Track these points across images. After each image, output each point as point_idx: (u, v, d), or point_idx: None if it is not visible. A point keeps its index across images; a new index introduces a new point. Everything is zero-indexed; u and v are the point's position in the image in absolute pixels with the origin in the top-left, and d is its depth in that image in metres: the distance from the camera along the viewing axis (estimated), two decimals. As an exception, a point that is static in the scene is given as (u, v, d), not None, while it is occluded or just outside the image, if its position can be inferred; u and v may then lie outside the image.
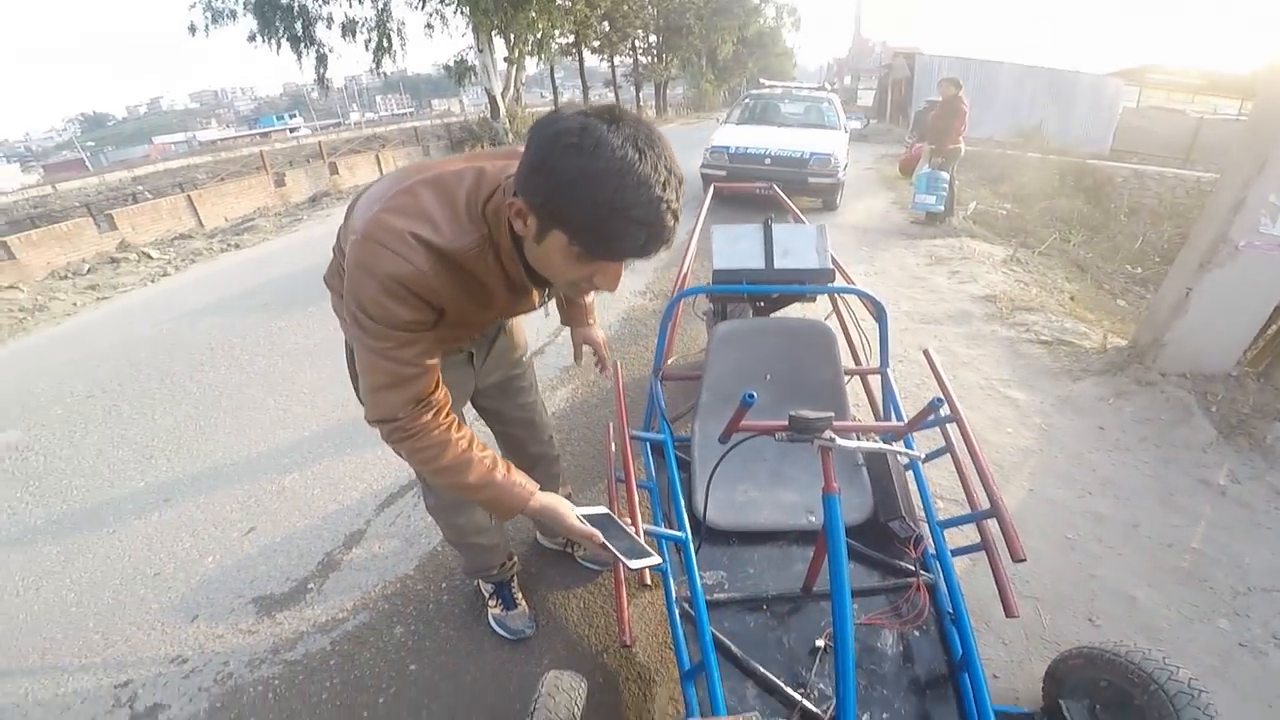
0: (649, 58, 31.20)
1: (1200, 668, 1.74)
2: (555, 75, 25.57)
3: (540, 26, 16.51)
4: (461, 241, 0.96)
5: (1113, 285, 5.59)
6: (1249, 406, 2.82)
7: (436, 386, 1.08)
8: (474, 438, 1.12)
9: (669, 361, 2.24)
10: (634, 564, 1.10)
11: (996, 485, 1.45)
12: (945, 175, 6.40)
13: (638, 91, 32.33)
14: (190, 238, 8.57)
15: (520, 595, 1.90)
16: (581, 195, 0.79)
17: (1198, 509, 2.37)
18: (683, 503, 1.63)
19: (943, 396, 1.42)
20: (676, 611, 1.45)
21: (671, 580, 1.49)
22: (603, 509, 1.19)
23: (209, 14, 15.40)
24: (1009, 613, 1.30)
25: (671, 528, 1.61)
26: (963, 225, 6.52)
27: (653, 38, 30.05)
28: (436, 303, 0.99)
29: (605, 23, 23.62)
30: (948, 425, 1.68)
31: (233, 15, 15.47)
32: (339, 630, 1.92)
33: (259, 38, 15.85)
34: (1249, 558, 2.13)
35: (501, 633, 1.85)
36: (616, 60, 28.35)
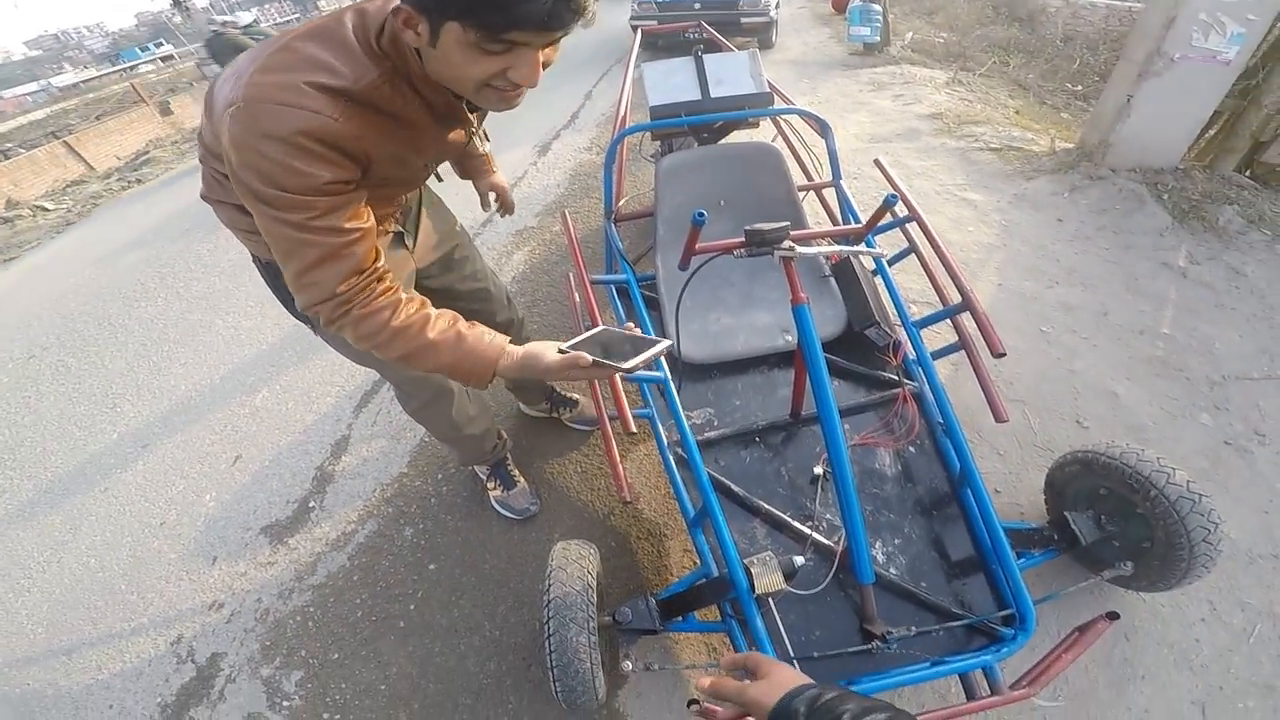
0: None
1: (1192, 470, 1.75)
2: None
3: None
4: (367, 77, 0.85)
5: (1055, 101, 5.61)
6: (1198, 194, 2.93)
7: (378, 255, 0.95)
8: (427, 301, 0.99)
9: (620, 204, 2.19)
10: (632, 363, 0.93)
11: (966, 278, 1.43)
12: (878, 7, 6.38)
13: None
14: (85, 183, 7.92)
15: (517, 472, 1.89)
16: None
17: (1162, 292, 2.44)
18: None
19: (896, 194, 1.39)
20: (670, 458, 1.44)
21: (660, 426, 1.47)
22: (597, 328, 1.05)
23: None
24: (998, 417, 1.29)
25: (648, 370, 1.61)
26: (902, 54, 6.38)
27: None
28: (357, 153, 0.86)
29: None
30: (908, 226, 1.66)
31: None
32: (352, 544, 1.92)
33: None
34: (1218, 342, 2.18)
35: (506, 514, 1.85)
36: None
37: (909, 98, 4.83)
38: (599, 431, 2.03)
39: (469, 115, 1.01)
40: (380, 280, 0.93)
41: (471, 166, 1.55)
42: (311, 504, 2.08)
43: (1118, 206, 2.95)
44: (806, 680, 0.64)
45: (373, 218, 0.94)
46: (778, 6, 7.14)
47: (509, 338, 1.01)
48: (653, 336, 0.96)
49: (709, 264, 1.53)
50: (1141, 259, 2.63)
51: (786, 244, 1.16)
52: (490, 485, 1.87)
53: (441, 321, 0.95)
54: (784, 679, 0.64)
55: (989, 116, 4.27)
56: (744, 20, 6.71)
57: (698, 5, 6.82)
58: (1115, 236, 2.78)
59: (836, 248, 1.27)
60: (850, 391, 1.63)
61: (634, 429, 1.22)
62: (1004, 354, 1.27)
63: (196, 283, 3.73)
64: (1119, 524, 1.36)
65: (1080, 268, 2.59)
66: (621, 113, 2.53)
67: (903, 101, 4.75)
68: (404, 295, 0.96)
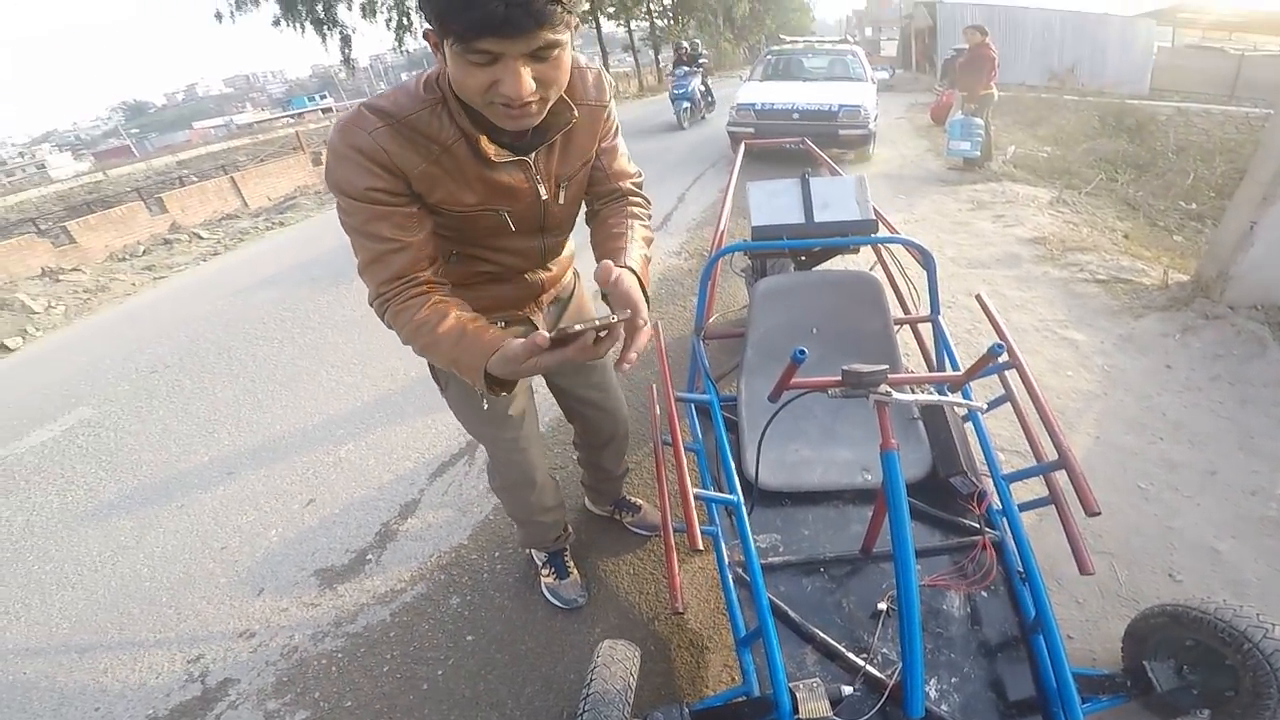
0: (665, 20, 30.40)
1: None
2: (574, 43, 25.20)
3: (552, -5, 16.33)
4: (412, 106, 0.97)
5: (1167, 222, 5.34)
6: (1331, 338, 2.61)
7: (425, 267, 1.03)
8: (463, 303, 1.03)
9: (710, 320, 2.22)
10: (578, 327, 0.80)
11: (1063, 433, 1.37)
12: (979, 120, 6.36)
13: (656, 54, 31.58)
14: (237, 217, 8.85)
15: (573, 564, 1.91)
16: None
17: None
18: (732, 464, 1.59)
19: (1002, 342, 1.34)
20: (730, 576, 1.43)
21: (724, 544, 1.46)
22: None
23: (232, 1, 15.65)
24: (1083, 569, 1.24)
25: (721, 490, 1.58)
26: (1003, 169, 6.31)
27: (668, 0, 29.27)
28: (395, 168, 0.97)
29: (619, -13, 23.09)
30: (1006, 372, 1.60)
31: (255, 1, 15.66)
32: (398, 602, 1.97)
33: (283, 22, 16.17)
34: (1345, 507, 1.96)
35: (554, 602, 1.86)
36: (633, 24, 27.68)
37: (1010, 219, 4.74)
38: (656, 537, 2.04)
39: (513, 154, 1.04)
40: (417, 286, 1.01)
41: (599, 236, 1.32)
42: (369, 557, 2.16)
43: (1235, 351, 2.72)
44: None
45: (422, 233, 1.03)
46: (876, 119, 7.19)
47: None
48: (611, 317, 0.82)
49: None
50: (1259, 414, 2.41)
51: (883, 388, 1.15)
52: (544, 572, 1.90)
53: (450, 317, 0.98)
54: None
55: (1095, 242, 4.12)
56: (842, 132, 6.79)
57: (796, 115, 6.95)
58: (1231, 388, 2.56)
59: (933, 397, 1.26)
60: (926, 534, 1.57)
61: (700, 547, 1.22)
62: (1098, 513, 1.22)
63: (311, 332, 4.05)
64: (1201, 674, 1.28)
65: (1188, 422, 2.41)
66: (721, 228, 2.58)
67: (1003, 223, 4.67)
68: (436, 296, 1.02)
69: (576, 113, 1.05)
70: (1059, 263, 3.85)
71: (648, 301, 1.00)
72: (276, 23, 16.34)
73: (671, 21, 30.28)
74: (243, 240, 7.51)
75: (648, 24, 29.65)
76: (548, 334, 0.80)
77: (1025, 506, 1.48)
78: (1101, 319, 3.18)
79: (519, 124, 0.93)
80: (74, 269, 6.79)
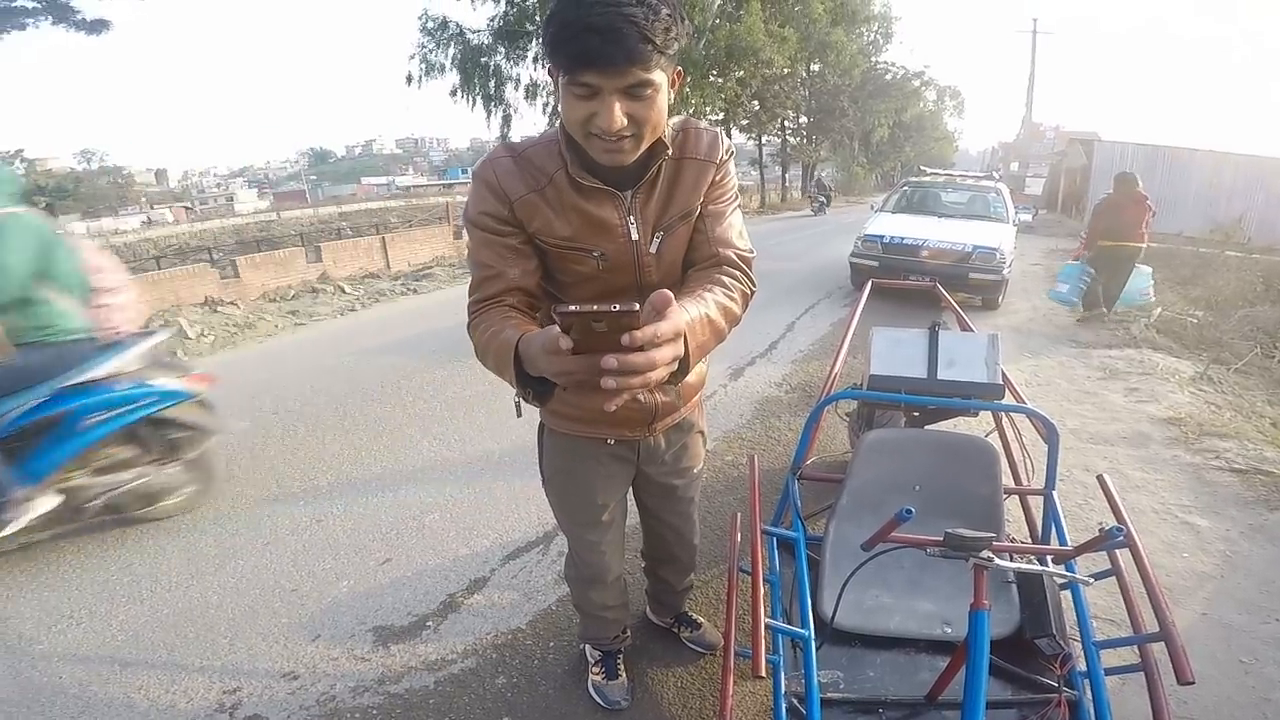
0: (798, 138, 31.16)
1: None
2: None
3: (693, 102, 17.39)
4: (537, 142, 1.13)
5: None
6: None
7: (516, 298, 1.10)
8: (526, 321, 1.05)
9: (808, 461, 2.18)
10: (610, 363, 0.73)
11: (1168, 606, 1.32)
12: (1091, 269, 6.34)
13: (784, 172, 32.27)
14: (377, 277, 9.64)
15: (623, 666, 1.91)
16: (551, 23, 0.92)
17: None
18: (809, 600, 1.59)
19: (1121, 526, 1.31)
20: (784, 706, 1.40)
21: (783, 674, 1.45)
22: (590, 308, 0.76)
23: (423, 66, 18.03)
24: None
25: (793, 624, 1.57)
26: (1144, 334, 5.90)
27: (803, 119, 30.15)
28: (501, 193, 1.09)
29: (755, 101, 24.09)
30: (1117, 550, 1.52)
31: (442, 69, 18.04)
32: (445, 671, 1.99)
33: (459, 93, 18.22)
34: None
35: (598, 700, 1.86)
36: (764, 139, 28.68)
37: (1144, 393, 4.39)
38: (709, 656, 2.00)
39: (615, 204, 1.12)
40: (501, 305, 1.07)
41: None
42: (429, 624, 2.19)
43: None
44: None
45: (516, 269, 1.10)
46: (1011, 264, 6.92)
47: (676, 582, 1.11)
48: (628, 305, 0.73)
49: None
50: None
51: (985, 554, 1.13)
52: (594, 669, 1.90)
53: (509, 320, 1.01)
54: None
55: (1238, 429, 3.74)
56: (973, 275, 6.52)
57: (925, 253, 6.75)
58: None
59: (1036, 568, 1.24)
60: (998, 687, 1.49)
61: (764, 674, 1.21)
62: (1191, 682, 1.15)
63: (422, 403, 4.27)
64: None
65: None
66: (835, 370, 2.55)
67: (1136, 397, 4.33)
68: (506, 309, 1.07)
69: (670, 151, 1.11)
70: (1192, 447, 3.54)
71: (686, 355, 0.88)
72: (454, 93, 18.43)
73: (805, 140, 31.09)
74: (379, 300, 8.17)
75: (779, 139, 30.64)
76: (568, 341, 0.74)
77: (1112, 671, 1.43)
78: (1231, 508, 2.94)
79: (613, 159, 1.01)
80: (231, 302, 7.63)
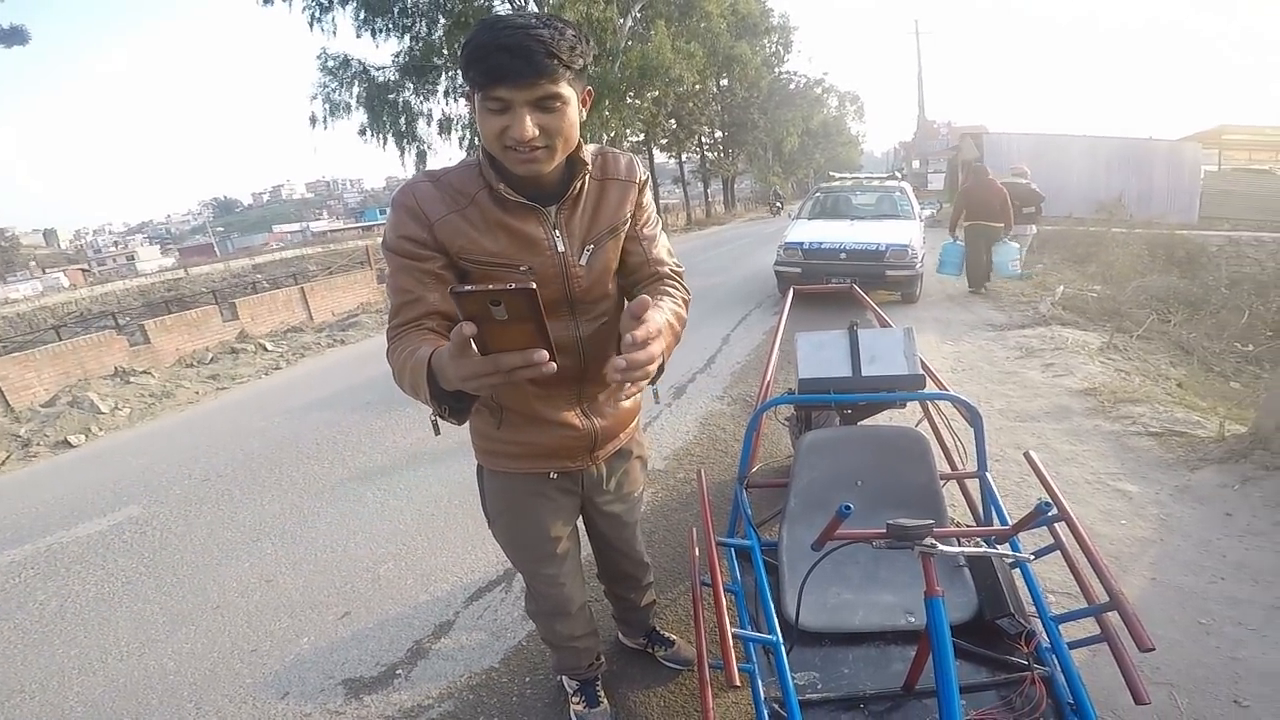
0: (715, 153, 32.03)
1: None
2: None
3: (613, 125, 17.62)
4: (456, 169, 1.18)
5: (1223, 366, 5.19)
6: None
7: (436, 322, 1.12)
8: (429, 334, 1.10)
9: (753, 470, 2.23)
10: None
11: (1114, 576, 1.38)
12: (960, 243, 7.42)
13: (705, 187, 33.08)
14: (301, 331, 9.28)
15: (603, 693, 1.91)
16: (466, 46, 1.00)
17: None
18: (772, 606, 1.61)
19: (1050, 499, 1.37)
20: (766, 712, 1.42)
21: (760, 681, 1.46)
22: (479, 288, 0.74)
23: (327, 106, 17.40)
24: (1138, 699, 1.21)
25: (759, 631, 1.59)
26: (1052, 312, 6.29)
27: (719, 133, 30.99)
28: (422, 215, 1.12)
29: (672, 120, 24.69)
30: (1056, 524, 1.59)
31: (348, 108, 17.44)
32: (423, 717, 1.97)
33: (369, 132, 17.65)
34: None
35: None
36: (684, 157, 29.35)
37: (1059, 367, 4.68)
38: (688, 672, 2.02)
39: (532, 204, 1.15)
40: (420, 329, 1.10)
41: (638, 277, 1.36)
42: (399, 672, 2.16)
43: None
44: None
45: (436, 294, 1.11)
46: (923, 258, 7.25)
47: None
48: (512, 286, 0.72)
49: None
50: None
51: (928, 541, 1.17)
52: (574, 699, 1.89)
53: (426, 341, 1.03)
54: None
55: (1148, 393, 4.02)
56: (889, 273, 6.78)
57: (843, 255, 6.99)
58: None
59: (979, 550, 1.27)
60: (971, 671, 1.54)
61: (738, 683, 1.22)
62: (1151, 649, 1.20)
63: (362, 455, 4.15)
64: None
65: (1251, 563, 2.35)
66: (767, 379, 2.63)
67: (1053, 372, 4.61)
68: (421, 334, 1.09)
69: (592, 170, 1.20)
70: (1110, 415, 3.78)
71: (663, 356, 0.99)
72: (362, 132, 17.78)
73: (722, 154, 31.97)
74: (304, 355, 7.90)
75: (699, 155, 31.40)
76: (469, 328, 0.73)
77: (1076, 644, 1.47)
78: (1156, 471, 3.12)
79: (529, 169, 1.08)
80: (144, 371, 7.18)
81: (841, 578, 1.77)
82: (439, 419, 1.03)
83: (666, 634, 2.12)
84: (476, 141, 1.11)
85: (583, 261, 1.22)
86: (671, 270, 1.34)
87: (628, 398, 0.89)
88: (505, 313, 0.73)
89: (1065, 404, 4.03)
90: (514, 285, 0.71)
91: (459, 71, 1.22)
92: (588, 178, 1.20)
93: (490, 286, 0.71)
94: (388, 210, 1.20)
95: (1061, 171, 15.04)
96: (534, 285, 0.71)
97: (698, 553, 1.77)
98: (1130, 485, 2.99)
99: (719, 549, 1.73)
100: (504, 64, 0.97)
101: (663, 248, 1.35)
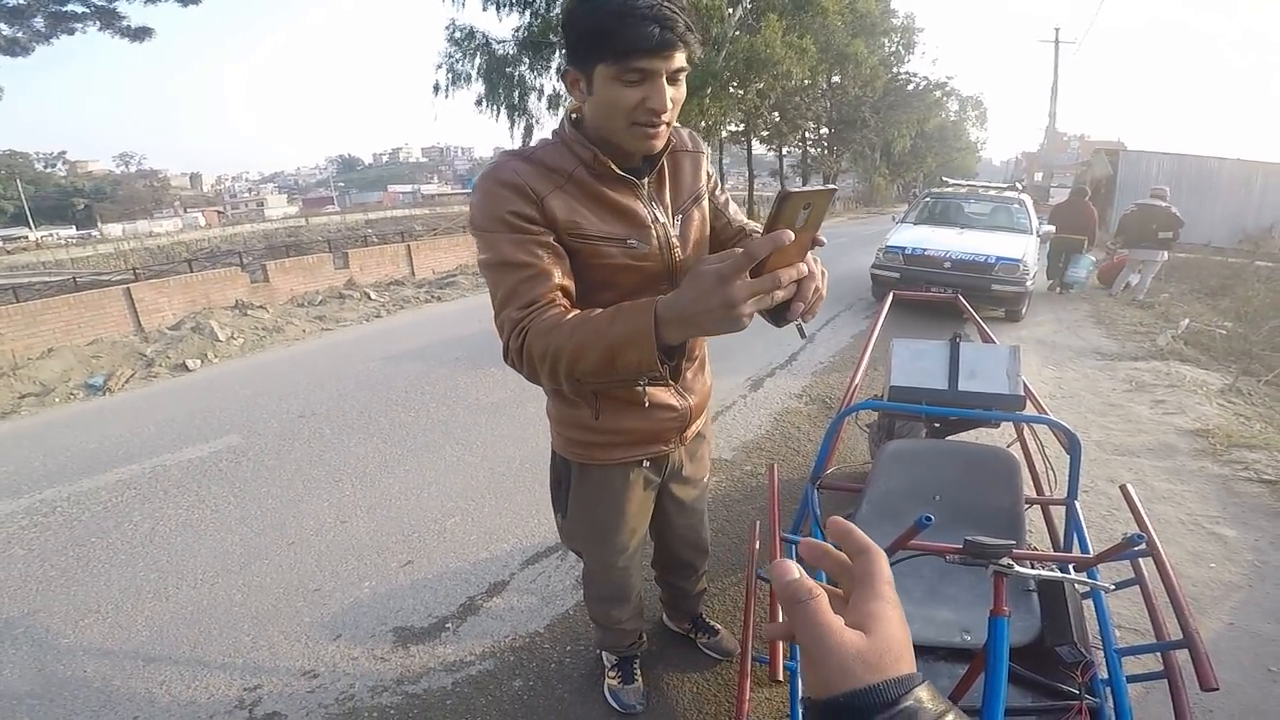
0: (819, 149, 31.06)
1: None
2: (723, 162, 26.53)
3: (712, 113, 17.40)
4: (541, 148, 1.15)
5: None
6: None
7: (564, 299, 1.07)
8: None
9: (828, 471, 2.19)
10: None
11: (1192, 615, 1.32)
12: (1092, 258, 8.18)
13: (804, 182, 32.11)
14: (402, 284, 9.77)
15: (639, 671, 1.94)
16: (598, 19, 0.97)
17: None
18: None
19: (1141, 533, 1.32)
20: (800, 711, 1.40)
21: (799, 680, 1.44)
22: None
23: (450, 75, 18.19)
24: None
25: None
26: (1171, 346, 5.79)
27: (824, 130, 30.03)
28: (532, 193, 1.07)
29: (776, 113, 24.07)
30: (1140, 559, 1.54)
31: (468, 79, 18.16)
32: (463, 673, 2.03)
33: (484, 103, 18.33)
34: None
35: (614, 704, 1.89)
36: (785, 150, 28.53)
37: (1171, 405, 4.31)
38: (725, 662, 2.02)
39: (627, 175, 1.15)
40: (556, 306, 1.04)
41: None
42: (448, 626, 2.24)
43: None
44: (912, 668, 0.40)
45: (559, 267, 1.08)
46: (1034, 276, 6.81)
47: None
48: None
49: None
50: None
51: (1005, 561, 1.14)
52: (611, 673, 1.93)
53: (599, 309, 0.98)
54: (888, 639, 0.40)
55: (1268, 440, 3.67)
56: (995, 287, 6.40)
57: (948, 264, 6.63)
58: None
59: (1056, 574, 1.23)
60: (1018, 694, 1.49)
61: (781, 678, 1.23)
62: (1216, 688, 1.14)
63: (445, 409, 4.33)
64: None
65: None
66: (856, 381, 2.55)
67: (1163, 409, 4.25)
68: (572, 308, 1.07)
69: (674, 142, 1.21)
70: (1220, 458, 3.49)
71: None
72: (479, 102, 18.48)
73: (825, 151, 30.91)
74: (403, 307, 8.29)
75: (800, 150, 30.51)
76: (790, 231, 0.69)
77: (1134, 679, 1.44)
78: (1261, 518, 2.90)
79: (652, 145, 1.08)
80: (260, 306, 7.77)
81: (903, 589, 1.73)
82: (648, 383, 1.09)
83: (713, 623, 2.13)
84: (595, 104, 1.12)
85: (678, 231, 1.23)
86: (753, 230, 1.36)
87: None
88: (806, 220, 0.70)
89: (1171, 442, 3.73)
90: (826, 187, 0.71)
91: (574, 43, 1.09)
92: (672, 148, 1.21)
93: (812, 189, 0.69)
94: (475, 192, 1.14)
95: (1204, 196, 13.83)
96: (835, 187, 0.74)
97: (758, 545, 1.77)
98: (1228, 530, 2.81)
99: (782, 544, 1.72)
100: (649, 33, 0.95)
101: (739, 211, 1.39)
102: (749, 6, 17.42)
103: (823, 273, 0.90)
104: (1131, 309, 7.47)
